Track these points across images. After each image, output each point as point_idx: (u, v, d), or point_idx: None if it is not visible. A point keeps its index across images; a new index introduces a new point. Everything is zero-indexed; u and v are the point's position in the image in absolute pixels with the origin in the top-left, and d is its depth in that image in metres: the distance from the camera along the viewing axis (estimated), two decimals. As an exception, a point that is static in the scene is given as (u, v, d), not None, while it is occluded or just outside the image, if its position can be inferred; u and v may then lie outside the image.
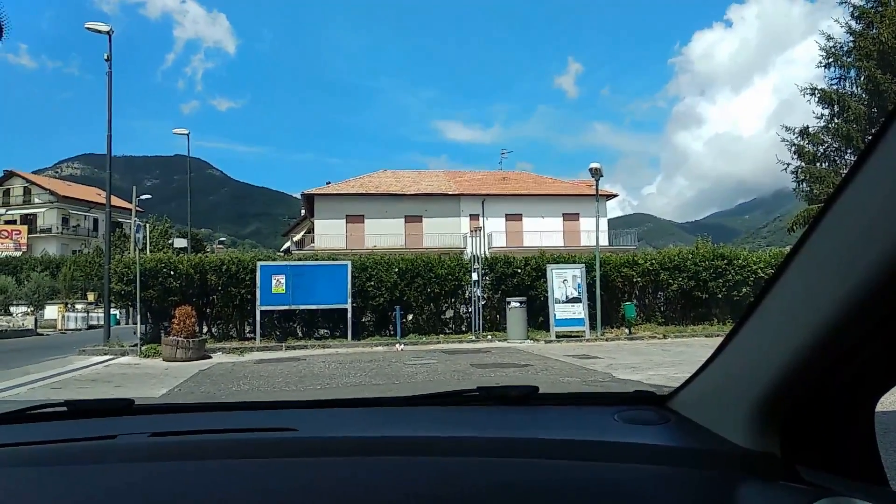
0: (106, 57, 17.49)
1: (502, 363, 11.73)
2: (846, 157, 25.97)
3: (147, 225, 44.97)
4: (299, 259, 20.63)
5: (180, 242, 36.24)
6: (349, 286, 16.73)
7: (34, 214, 60.24)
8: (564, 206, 43.42)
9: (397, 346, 15.55)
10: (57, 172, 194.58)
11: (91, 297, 39.10)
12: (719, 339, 1.10)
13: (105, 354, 14.71)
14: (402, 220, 42.18)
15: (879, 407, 0.98)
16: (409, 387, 8.86)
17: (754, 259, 19.87)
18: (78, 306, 35.72)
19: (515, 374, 10.27)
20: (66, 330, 31.31)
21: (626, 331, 17.58)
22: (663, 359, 12.12)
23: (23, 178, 64.16)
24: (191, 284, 16.82)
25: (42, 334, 28.18)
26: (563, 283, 17.47)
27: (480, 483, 1.03)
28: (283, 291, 16.46)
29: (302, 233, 49.65)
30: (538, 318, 17.83)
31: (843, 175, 0.73)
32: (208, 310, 17.50)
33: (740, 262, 19.48)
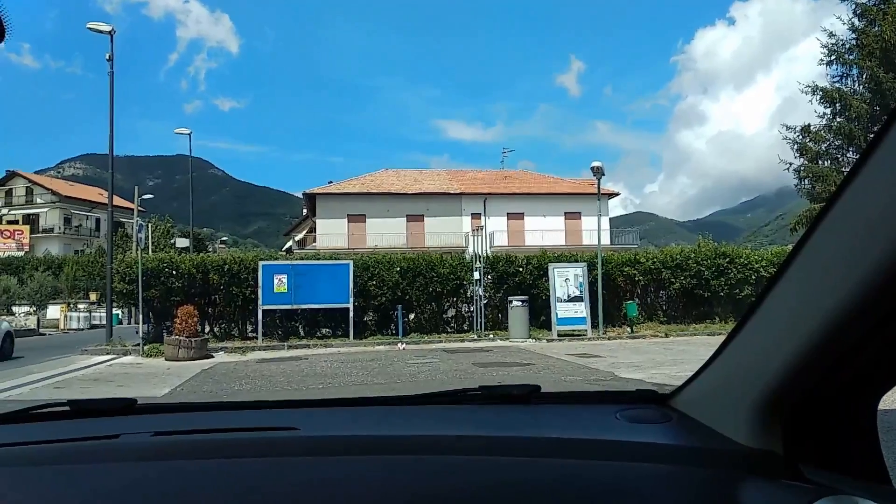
0: (108, 57, 17.53)
1: (504, 362, 11.73)
2: (848, 155, 25.92)
3: (149, 225, 45.02)
4: (301, 258, 20.65)
5: (182, 242, 36.33)
6: (351, 285, 16.74)
7: (36, 214, 60.38)
8: (566, 205, 43.42)
9: (399, 345, 15.56)
10: (59, 172, 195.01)
11: (93, 296, 39.16)
12: (721, 338, 1.10)
13: (107, 354, 14.73)
14: (404, 219, 42.19)
15: (882, 405, 0.98)
16: (410, 386, 8.87)
17: (756, 258, 19.85)
18: (80, 306, 35.80)
19: (517, 372, 10.27)
20: (68, 330, 31.37)
21: (628, 329, 17.57)
22: (665, 358, 12.11)
23: (25, 178, 64.32)
24: (193, 284, 16.85)
25: (44, 334, 28.25)
26: (565, 281, 17.47)
27: (483, 482, 1.03)
28: (285, 291, 16.48)
29: (304, 232, 49.68)
30: (540, 316, 17.83)
31: (846, 174, 0.73)
32: (210, 309, 17.52)
33: (742, 260, 19.45)
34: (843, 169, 25.31)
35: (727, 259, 19.36)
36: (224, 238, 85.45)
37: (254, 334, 17.12)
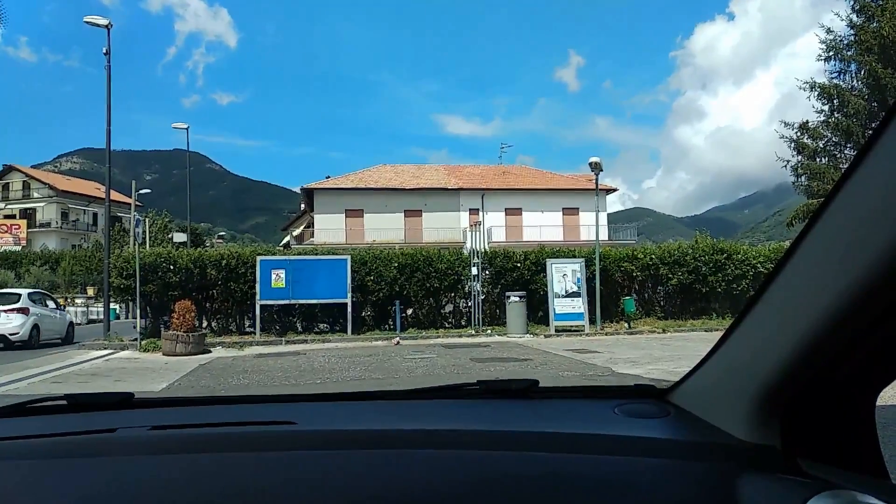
0: (105, 51, 17.46)
1: (502, 357, 11.75)
2: (846, 151, 25.93)
3: (146, 219, 44.95)
4: (299, 253, 20.64)
5: (180, 237, 36.27)
6: (349, 281, 16.74)
7: (33, 209, 60.19)
8: (564, 201, 43.39)
9: (394, 339, 15.56)
10: (56, 167, 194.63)
11: (90, 291, 39.11)
12: (719, 334, 1.11)
13: (105, 349, 14.72)
14: (402, 214, 42.14)
15: (880, 401, 0.98)
16: (408, 381, 8.88)
17: (754, 253, 19.90)
18: (77, 301, 35.75)
19: (515, 368, 10.29)
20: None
21: (626, 325, 17.61)
22: (663, 353, 12.14)
23: (22, 172, 64.09)
24: (190, 279, 16.83)
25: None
26: (563, 277, 17.48)
27: (480, 476, 1.03)
28: (283, 286, 16.47)
29: (301, 227, 49.61)
30: (538, 312, 17.85)
31: (843, 170, 0.73)
32: (208, 304, 17.51)
33: (740, 256, 19.49)
34: (841, 166, 25.31)
35: (725, 255, 19.40)
36: (222, 233, 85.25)
37: (251, 329, 17.11)
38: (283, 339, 16.02)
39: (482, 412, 1.35)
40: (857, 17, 25.35)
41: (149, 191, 52.19)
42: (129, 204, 43.29)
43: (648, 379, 8.53)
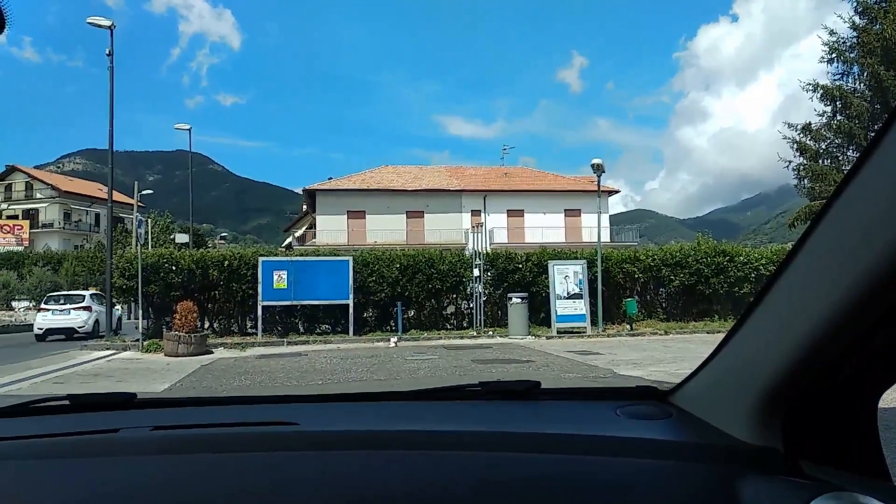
0: (108, 51, 17.51)
1: (503, 359, 11.74)
2: (848, 153, 25.90)
3: (149, 220, 44.99)
4: (301, 254, 20.64)
5: (182, 238, 36.30)
6: (350, 282, 16.75)
7: (36, 209, 60.29)
8: (566, 202, 43.39)
9: (391, 340, 15.51)
10: (59, 167, 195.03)
11: (93, 292, 39.06)
12: (720, 336, 1.10)
13: (107, 349, 14.74)
14: (404, 215, 42.15)
15: (882, 403, 0.98)
16: (410, 382, 8.88)
17: (756, 255, 19.90)
18: (80, 301, 35.70)
19: (517, 369, 10.28)
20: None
21: (628, 327, 17.59)
22: (664, 355, 12.12)
23: (25, 173, 64.20)
24: (192, 280, 16.85)
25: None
26: (565, 279, 17.47)
27: (482, 477, 1.04)
28: (285, 287, 16.48)
29: (304, 228, 49.65)
30: (539, 313, 17.84)
31: (846, 172, 0.73)
32: (210, 305, 17.53)
33: (742, 258, 19.48)
34: (843, 168, 25.29)
35: (727, 257, 19.38)
36: (224, 234, 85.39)
37: (253, 330, 17.13)
38: (284, 339, 16.03)
39: (484, 413, 1.35)
40: (860, 19, 25.33)
41: (151, 192, 52.24)
42: (132, 205, 43.34)
43: (650, 380, 8.52)
